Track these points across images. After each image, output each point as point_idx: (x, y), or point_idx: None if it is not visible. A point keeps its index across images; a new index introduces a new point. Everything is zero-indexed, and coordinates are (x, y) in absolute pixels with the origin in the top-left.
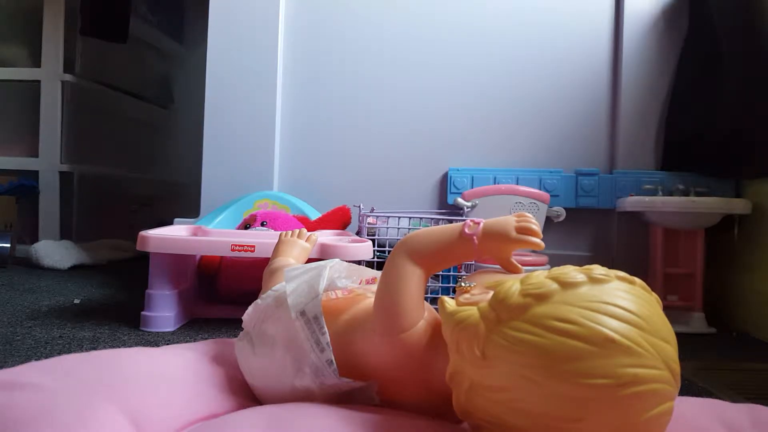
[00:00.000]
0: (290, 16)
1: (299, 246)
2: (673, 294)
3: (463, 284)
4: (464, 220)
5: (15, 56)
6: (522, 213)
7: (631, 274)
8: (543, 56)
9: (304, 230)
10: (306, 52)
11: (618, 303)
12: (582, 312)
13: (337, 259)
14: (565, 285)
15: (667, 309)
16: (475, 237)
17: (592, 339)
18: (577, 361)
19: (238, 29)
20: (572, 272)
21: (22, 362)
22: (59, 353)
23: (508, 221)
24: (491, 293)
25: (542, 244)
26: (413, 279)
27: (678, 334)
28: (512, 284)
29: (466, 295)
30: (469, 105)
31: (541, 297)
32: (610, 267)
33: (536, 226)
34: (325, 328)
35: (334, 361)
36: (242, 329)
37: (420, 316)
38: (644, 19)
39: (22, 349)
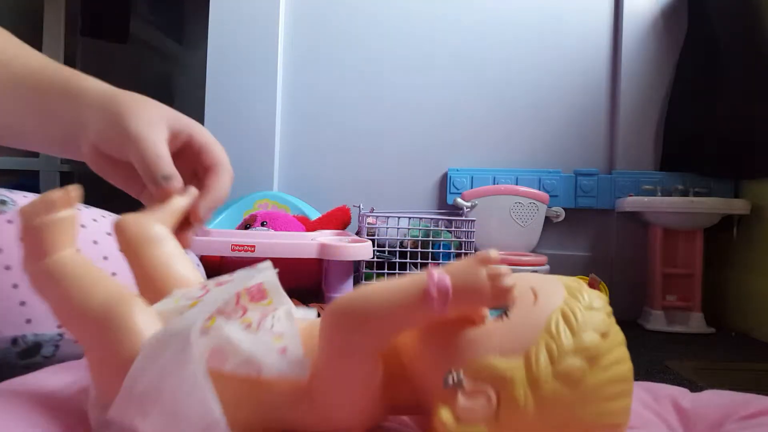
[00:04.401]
0: (290, 17)
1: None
2: (672, 294)
3: (451, 378)
4: (463, 219)
5: None
6: (489, 257)
7: (630, 274)
8: (542, 56)
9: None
10: (306, 52)
11: (620, 376)
12: (602, 410)
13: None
14: (575, 383)
15: (667, 309)
16: (445, 309)
17: None
18: None
19: (238, 29)
20: (569, 358)
21: None
22: None
23: (482, 284)
24: (492, 397)
25: (514, 300)
26: (370, 371)
27: (677, 334)
28: (521, 392)
29: (462, 402)
30: (469, 105)
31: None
32: (610, 267)
33: (512, 282)
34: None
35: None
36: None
37: (374, 403)
38: (644, 19)
39: None
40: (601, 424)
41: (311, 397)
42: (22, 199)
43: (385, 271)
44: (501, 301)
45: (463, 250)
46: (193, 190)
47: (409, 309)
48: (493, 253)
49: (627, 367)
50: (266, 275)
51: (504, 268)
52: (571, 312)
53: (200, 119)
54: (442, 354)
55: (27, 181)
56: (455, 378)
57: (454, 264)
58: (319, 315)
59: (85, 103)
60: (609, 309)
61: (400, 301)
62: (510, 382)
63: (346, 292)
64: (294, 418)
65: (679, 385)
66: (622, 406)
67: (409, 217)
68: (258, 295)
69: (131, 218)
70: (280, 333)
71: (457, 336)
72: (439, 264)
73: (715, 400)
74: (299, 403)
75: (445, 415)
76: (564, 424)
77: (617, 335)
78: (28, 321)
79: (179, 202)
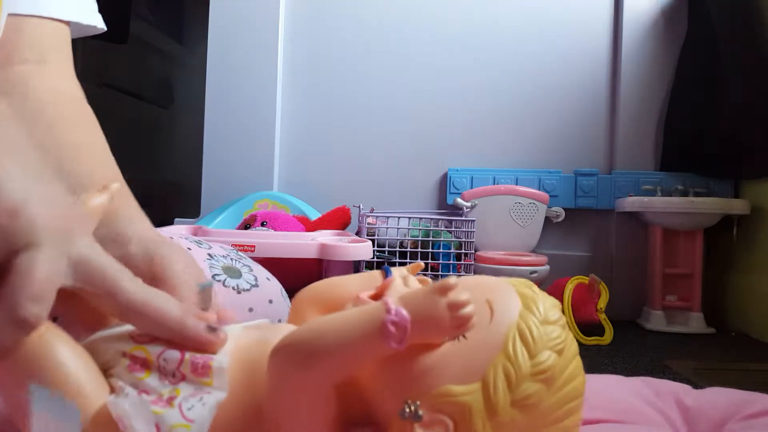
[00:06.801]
0: (290, 17)
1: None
2: (672, 294)
3: (407, 410)
4: (463, 219)
5: None
6: (449, 285)
7: (630, 274)
8: (542, 56)
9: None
10: (306, 53)
11: (574, 393)
12: (552, 430)
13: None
14: (530, 407)
15: (667, 309)
16: (402, 345)
17: None
18: None
19: (238, 29)
20: (526, 383)
21: None
22: None
23: (441, 315)
24: (450, 427)
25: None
26: (329, 416)
27: (677, 335)
28: (480, 424)
29: None
30: (469, 105)
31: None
32: (610, 267)
33: (471, 310)
34: None
35: None
36: None
37: None
38: (644, 19)
39: None
40: None
41: None
42: None
43: None
44: (461, 330)
45: (463, 250)
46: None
47: (364, 345)
48: (452, 281)
49: (580, 380)
50: (219, 360)
51: (463, 295)
52: (528, 329)
53: (200, 119)
54: (398, 381)
55: None
56: (411, 409)
57: (410, 294)
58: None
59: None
60: (563, 320)
61: (353, 336)
62: (468, 411)
63: (296, 329)
64: None
65: (678, 382)
66: (575, 422)
67: (409, 217)
68: (202, 371)
69: None
70: (191, 420)
71: (412, 361)
72: (439, 263)
73: (718, 398)
74: None
75: None
76: None
77: (571, 348)
78: None
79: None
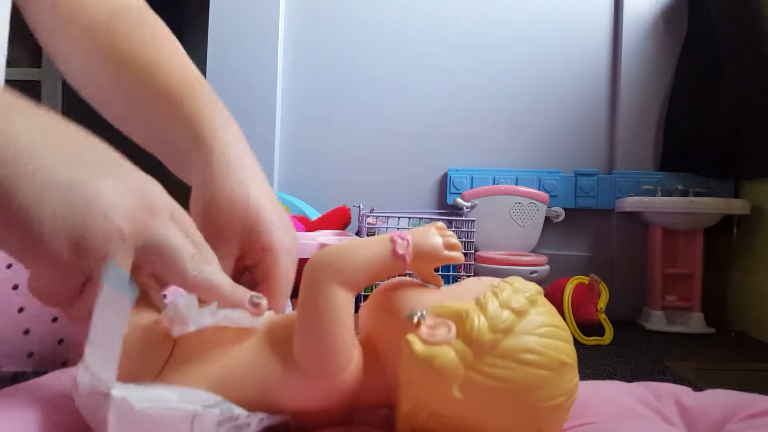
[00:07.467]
0: (290, 17)
1: None
2: (672, 294)
3: (415, 315)
4: (463, 219)
5: (15, 56)
6: (440, 225)
7: (630, 274)
8: (542, 57)
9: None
10: (306, 53)
11: (556, 323)
12: (540, 341)
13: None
14: (519, 313)
15: (667, 309)
16: (407, 257)
17: (552, 365)
18: (543, 389)
19: (238, 29)
20: (513, 296)
21: None
22: None
23: (436, 240)
24: (452, 326)
25: (463, 258)
26: (348, 310)
27: (677, 334)
28: (476, 318)
29: (426, 331)
30: (469, 106)
31: (507, 331)
32: (610, 267)
33: (457, 240)
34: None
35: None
36: None
37: (355, 349)
38: (644, 20)
39: None
40: (546, 358)
41: (296, 363)
42: None
43: None
44: (452, 254)
45: (463, 250)
46: None
47: (381, 263)
48: (440, 225)
49: (562, 323)
50: (254, 321)
51: (450, 232)
52: (507, 283)
53: None
54: (407, 307)
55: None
56: (419, 313)
57: (409, 230)
58: None
59: (210, 162)
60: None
61: (374, 255)
62: (465, 312)
63: (319, 251)
64: (285, 396)
65: (678, 385)
66: (563, 345)
67: (409, 217)
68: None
69: None
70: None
71: (417, 295)
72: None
73: (719, 399)
74: (289, 378)
75: (412, 338)
76: (518, 352)
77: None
78: (30, 355)
79: None
